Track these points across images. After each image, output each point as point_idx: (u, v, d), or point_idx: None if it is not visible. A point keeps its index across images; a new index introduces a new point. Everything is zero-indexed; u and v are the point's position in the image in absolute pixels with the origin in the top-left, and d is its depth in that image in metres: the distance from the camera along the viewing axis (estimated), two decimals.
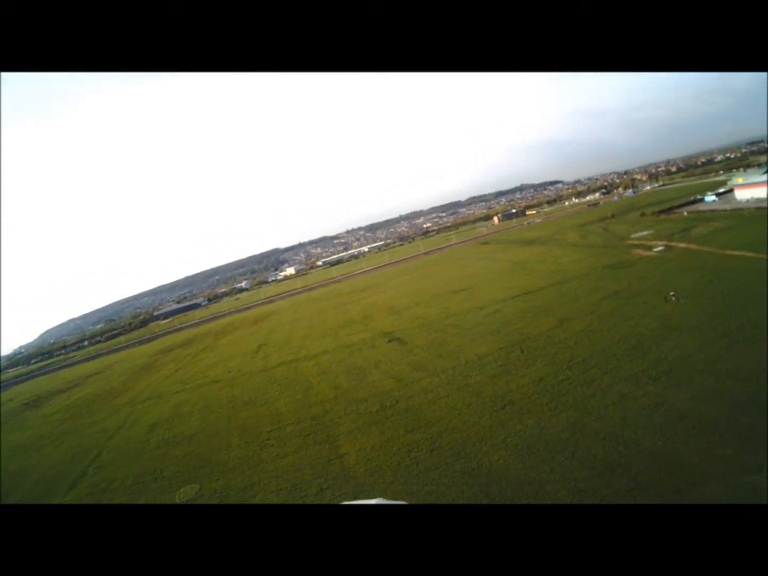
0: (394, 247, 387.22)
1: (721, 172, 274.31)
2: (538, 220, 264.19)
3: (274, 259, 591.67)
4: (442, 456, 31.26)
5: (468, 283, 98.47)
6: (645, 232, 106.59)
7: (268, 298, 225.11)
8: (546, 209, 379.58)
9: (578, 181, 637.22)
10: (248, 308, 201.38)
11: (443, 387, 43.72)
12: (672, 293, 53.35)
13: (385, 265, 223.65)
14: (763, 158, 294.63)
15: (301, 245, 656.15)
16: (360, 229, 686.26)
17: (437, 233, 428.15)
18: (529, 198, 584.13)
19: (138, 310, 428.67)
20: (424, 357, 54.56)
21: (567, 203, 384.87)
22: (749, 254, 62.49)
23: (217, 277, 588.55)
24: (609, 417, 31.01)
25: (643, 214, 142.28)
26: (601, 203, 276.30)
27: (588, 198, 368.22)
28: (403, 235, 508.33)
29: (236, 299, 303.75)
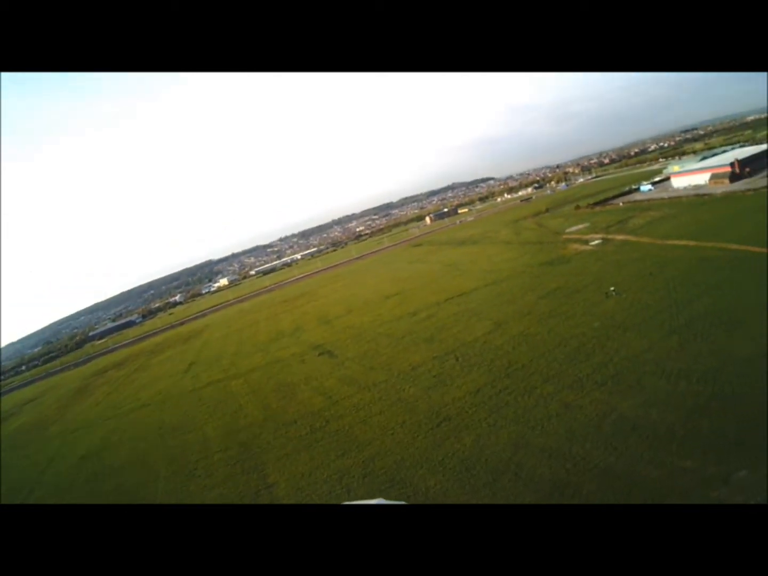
0: (327, 252, 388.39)
1: (662, 159, 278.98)
2: (470, 218, 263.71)
3: (207, 270, 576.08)
4: (376, 482, 29.57)
5: (400, 287, 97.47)
6: (581, 226, 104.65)
7: (201, 311, 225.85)
8: (478, 207, 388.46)
9: (510, 177, 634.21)
10: (181, 323, 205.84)
11: (375, 403, 42.21)
12: (612, 288, 52.23)
13: (317, 271, 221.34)
14: (697, 145, 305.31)
15: (234, 255, 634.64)
16: (293, 236, 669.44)
17: (370, 236, 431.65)
18: (461, 196, 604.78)
19: (75, 331, 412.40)
20: (356, 370, 53.34)
21: (499, 199, 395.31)
22: (691, 243, 61.22)
23: (152, 292, 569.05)
24: (554, 430, 29.28)
25: (577, 207, 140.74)
26: (534, 198, 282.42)
27: (521, 193, 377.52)
28: (336, 240, 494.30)
29: (170, 314, 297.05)
